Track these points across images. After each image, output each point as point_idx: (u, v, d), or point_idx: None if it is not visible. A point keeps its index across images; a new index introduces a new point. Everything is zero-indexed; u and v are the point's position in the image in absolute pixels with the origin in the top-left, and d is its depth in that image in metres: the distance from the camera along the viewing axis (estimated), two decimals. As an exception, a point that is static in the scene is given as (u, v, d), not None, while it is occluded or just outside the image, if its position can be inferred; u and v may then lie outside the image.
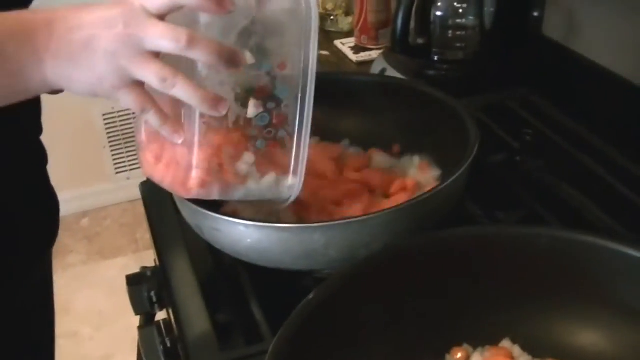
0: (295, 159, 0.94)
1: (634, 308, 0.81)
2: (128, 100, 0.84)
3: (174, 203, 1.12)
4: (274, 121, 0.92)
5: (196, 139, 0.87)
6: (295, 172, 0.94)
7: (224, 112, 0.84)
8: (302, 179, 0.95)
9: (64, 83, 0.84)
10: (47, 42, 0.82)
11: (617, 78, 1.26)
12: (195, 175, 0.88)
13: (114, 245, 3.22)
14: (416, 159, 1.19)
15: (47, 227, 1.31)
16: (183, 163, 0.90)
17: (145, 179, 1.34)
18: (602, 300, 0.83)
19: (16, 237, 1.19)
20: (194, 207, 0.96)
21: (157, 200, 1.26)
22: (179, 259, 1.12)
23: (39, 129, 1.26)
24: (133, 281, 1.17)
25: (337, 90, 1.24)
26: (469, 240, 0.88)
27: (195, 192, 0.89)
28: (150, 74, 0.81)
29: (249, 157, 0.92)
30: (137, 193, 3.28)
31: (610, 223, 1.09)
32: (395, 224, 0.94)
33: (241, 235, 0.94)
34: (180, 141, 0.89)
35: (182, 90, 0.81)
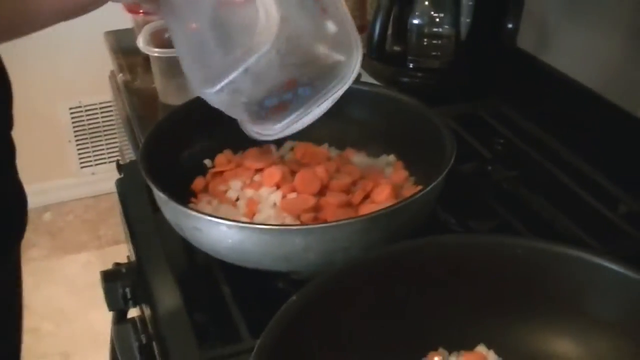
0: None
1: (605, 318, 0.83)
2: None
3: (151, 201, 1.13)
4: None
5: None
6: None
7: None
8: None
9: None
10: None
11: (587, 91, 1.29)
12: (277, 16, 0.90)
13: (77, 241, 3.21)
14: (392, 159, 1.22)
15: (15, 222, 1.31)
16: None
17: (118, 176, 1.35)
18: (574, 310, 0.85)
19: None
20: (176, 205, 0.97)
21: (133, 198, 1.26)
22: (156, 257, 1.12)
23: (9, 123, 1.27)
24: (108, 277, 1.17)
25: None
26: (445, 249, 0.90)
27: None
28: None
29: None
30: (101, 188, 3.28)
31: (580, 234, 1.12)
32: (372, 230, 0.96)
33: (222, 236, 0.95)
34: None
35: None
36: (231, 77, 0.93)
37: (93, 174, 3.34)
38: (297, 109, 1.02)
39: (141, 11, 1.77)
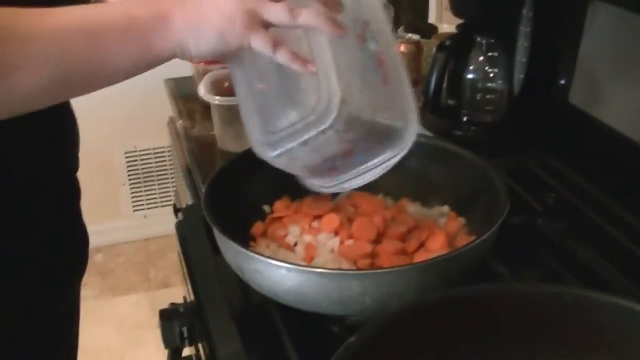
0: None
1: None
2: (260, 41, 0.89)
3: (211, 242, 1.17)
4: None
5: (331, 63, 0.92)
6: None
7: (343, 33, 0.91)
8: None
9: (192, 40, 0.89)
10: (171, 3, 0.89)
11: (636, 146, 1.31)
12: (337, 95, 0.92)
13: (126, 282, 3.26)
14: (446, 209, 1.25)
15: (77, 260, 1.35)
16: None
17: (172, 219, 1.39)
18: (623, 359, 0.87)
19: (51, 267, 1.23)
20: (237, 247, 1.01)
21: (191, 240, 1.30)
22: (214, 297, 1.16)
23: (75, 165, 1.31)
24: (165, 316, 1.21)
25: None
26: (496, 296, 0.92)
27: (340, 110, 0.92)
28: (278, 8, 0.89)
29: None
30: (152, 231, 3.33)
31: (627, 286, 1.13)
32: (427, 276, 0.99)
33: (282, 278, 0.98)
34: (314, 69, 0.91)
35: (308, 16, 0.89)
36: (289, 146, 0.96)
37: (145, 217, 3.39)
38: (350, 172, 1.06)
39: (201, 61, 1.83)
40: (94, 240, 2.93)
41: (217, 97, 1.59)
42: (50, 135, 1.14)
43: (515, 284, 1.06)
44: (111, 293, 3.21)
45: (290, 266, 0.97)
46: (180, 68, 1.92)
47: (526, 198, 1.36)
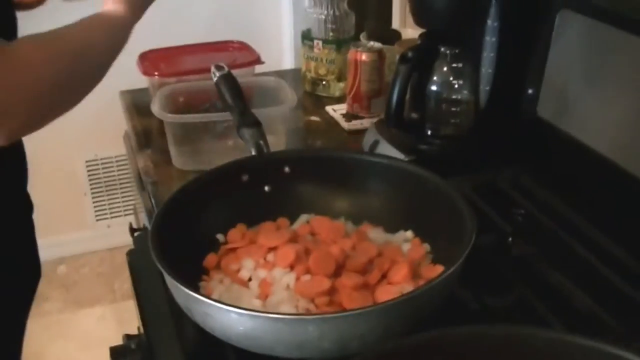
0: None
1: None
2: None
3: (163, 278, 1.10)
4: None
5: None
6: None
7: None
8: None
9: None
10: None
11: (607, 161, 1.26)
12: None
13: (91, 295, 3.18)
14: (409, 235, 1.19)
15: (30, 281, 1.30)
16: None
17: (133, 246, 1.33)
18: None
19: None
20: (185, 290, 0.95)
21: (145, 271, 1.23)
22: (166, 333, 1.10)
23: (25, 180, 1.26)
24: (117, 354, 1.15)
25: (332, 168, 1.27)
26: (462, 340, 0.87)
27: None
28: None
29: None
30: (116, 241, 3.27)
31: (600, 313, 1.08)
32: (390, 317, 0.93)
33: (233, 322, 0.92)
34: None
35: None
36: None
37: (108, 226, 3.32)
38: None
39: (156, 73, 1.76)
40: (56, 252, 2.89)
41: (171, 115, 1.52)
42: None
43: (482, 327, 1.00)
44: (76, 306, 3.13)
45: (242, 311, 0.91)
46: (136, 80, 1.86)
47: (494, 217, 1.30)
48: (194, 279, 1.11)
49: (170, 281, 0.99)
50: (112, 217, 3.32)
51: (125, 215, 3.26)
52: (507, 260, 1.22)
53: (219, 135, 1.57)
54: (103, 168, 3.21)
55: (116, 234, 3.24)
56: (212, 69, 1.40)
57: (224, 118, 1.45)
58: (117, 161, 3.20)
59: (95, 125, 2.99)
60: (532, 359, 0.84)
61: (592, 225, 1.26)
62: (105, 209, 3.30)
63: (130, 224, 1.81)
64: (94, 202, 3.28)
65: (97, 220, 3.31)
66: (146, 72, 1.78)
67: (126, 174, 3.21)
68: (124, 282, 3.16)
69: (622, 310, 1.09)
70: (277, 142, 1.54)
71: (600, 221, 1.26)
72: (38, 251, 1.37)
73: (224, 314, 0.92)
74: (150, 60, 1.84)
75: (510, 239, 1.26)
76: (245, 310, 0.91)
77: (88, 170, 3.19)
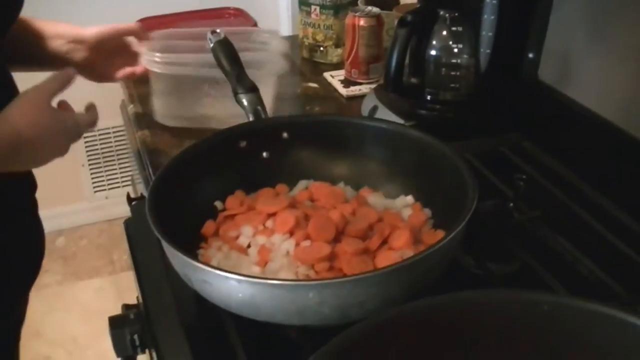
0: None
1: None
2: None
3: (161, 245, 1.09)
4: None
5: None
6: None
7: None
8: None
9: None
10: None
11: (609, 125, 1.24)
12: None
13: (90, 266, 3.18)
14: (410, 200, 1.18)
15: (33, 259, 1.32)
16: None
17: (130, 215, 1.32)
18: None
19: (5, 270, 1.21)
20: (184, 257, 0.93)
21: (142, 239, 1.22)
22: (164, 302, 1.09)
23: None
24: (116, 324, 1.13)
25: (331, 134, 1.24)
26: (468, 306, 0.85)
27: None
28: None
29: None
30: (114, 212, 3.26)
31: (602, 276, 1.08)
32: (390, 283, 0.91)
33: (232, 290, 0.91)
34: None
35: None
36: None
37: (107, 198, 3.31)
38: None
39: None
40: (54, 224, 2.88)
41: (158, 64, 1.49)
42: None
43: (484, 292, 0.99)
44: (74, 278, 3.13)
45: (241, 278, 0.89)
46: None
47: (496, 182, 1.29)
48: (192, 247, 1.09)
49: (168, 249, 0.98)
50: (110, 189, 3.31)
51: (123, 186, 3.25)
52: (509, 225, 1.21)
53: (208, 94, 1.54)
54: (100, 139, 3.19)
55: (114, 205, 3.24)
56: (208, 34, 1.38)
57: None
58: (114, 132, 3.18)
59: (92, 96, 2.96)
60: (536, 324, 0.83)
61: (594, 189, 1.26)
62: (103, 181, 3.30)
63: (128, 194, 1.78)
64: (91, 174, 3.27)
65: (95, 191, 3.30)
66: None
67: (124, 144, 3.19)
68: (123, 254, 3.16)
69: (626, 274, 1.08)
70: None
71: (602, 185, 1.25)
72: (43, 230, 1.37)
73: (223, 281, 0.91)
74: (146, 28, 1.81)
75: (511, 204, 1.25)
76: (245, 276, 0.89)
77: (85, 142, 3.17)
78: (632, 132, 1.21)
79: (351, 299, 0.89)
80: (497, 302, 0.85)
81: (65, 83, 1.17)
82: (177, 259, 0.96)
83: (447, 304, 0.84)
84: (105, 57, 1.44)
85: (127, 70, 1.49)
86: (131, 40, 1.48)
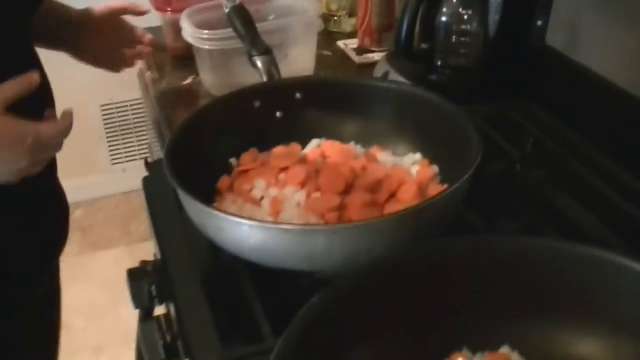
0: None
1: (631, 319, 0.82)
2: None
3: (177, 199, 1.13)
4: None
5: None
6: None
7: None
8: None
9: None
10: None
11: (617, 89, 1.27)
12: None
13: (107, 237, 3.23)
14: (418, 157, 1.22)
15: (59, 231, 1.35)
16: None
17: (147, 173, 1.35)
18: (599, 311, 0.84)
19: (31, 240, 1.23)
20: (200, 205, 0.97)
21: (159, 196, 1.26)
22: (181, 255, 1.12)
23: None
24: (134, 275, 1.17)
25: (342, 94, 1.28)
26: (470, 250, 0.89)
27: None
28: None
29: None
30: (131, 185, 3.29)
31: (607, 235, 1.11)
32: (397, 229, 0.95)
33: (245, 235, 0.95)
34: None
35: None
36: None
37: (124, 170, 3.34)
38: None
39: (169, 9, 1.77)
40: (72, 196, 2.92)
41: (207, 40, 1.55)
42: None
43: (486, 237, 1.03)
44: (92, 248, 3.18)
45: (253, 223, 0.93)
46: (148, 18, 1.87)
47: (503, 144, 1.32)
48: (206, 201, 1.13)
49: (184, 198, 1.02)
50: (127, 161, 3.35)
51: (140, 159, 3.28)
52: (515, 186, 1.24)
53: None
54: (118, 112, 3.23)
55: (132, 177, 3.25)
56: (224, 1, 1.42)
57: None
58: (131, 105, 3.22)
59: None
60: (536, 267, 0.86)
61: (599, 151, 1.28)
62: (120, 153, 3.33)
63: (146, 159, 1.83)
64: (109, 146, 3.30)
65: (113, 164, 3.34)
66: (158, 8, 1.79)
67: (141, 118, 3.23)
68: (140, 225, 3.21)
69: (627, 231, 1.11)
70: (305, 52, 1.62)
71: (607, 146, 1.27)
72: (67, 202, 1.40)
73: (237, 227, 0.95)
74: (163, 2, 1.85)
75: (518, 165, 1.28)
76: (257, 221, 0.94)
77: (103, 115, 3.21)
78: (635, 92, 1.23)
79: (359, 244, 0.93)
80: (499, 245, 0.89)
81: (24, 88, 1.05)
82: (193, 207, 1.01)
83: (446, 247, 0.88)
84: (105, 40, 1.49)
85: (137, 49, 1.55)
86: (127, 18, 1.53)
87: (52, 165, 1.31)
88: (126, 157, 3.33)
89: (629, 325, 0.82)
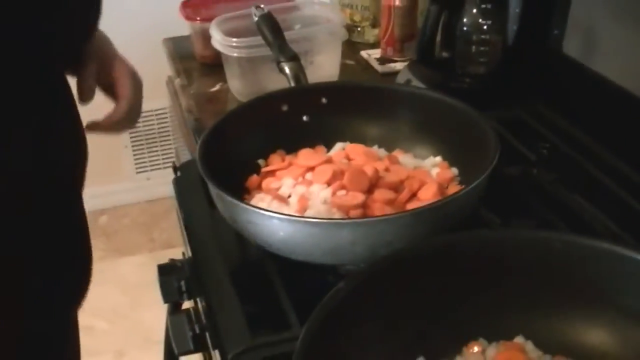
0: None
1: (637, 309, 0.86)
2: None
3: (207, 197, 1.18)
4: None
5: None
6: None
7: None
8: None
9: None
10: None
11: (632, 97, 1.31)
12: None
13: (131, 243, 3.28)
14: (438, 160, 1.27)
15: (79, 275, 1.23)
16: None
17: (172, 179, 1.40)
18: (609, 302, 0.88)
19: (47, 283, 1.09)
20: (230, 199, 1.03)
21: (189, 194, 1.31)
22: (210, 250, 1.17)
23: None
24: (164, 271, 1.22)
25: (366, 99, 1.34)
26: (486, 243, 0.94)
27: None
28: None
29: None
30: (155, 193, 3.34)
31: (620, 234, 1.15)
32: (417, 225, 1.00)
33: (274, 228, 1.00)
34: None
35: None
36: None
37: (148, 179, 3.40)
38: None
39: (198, 18, 1.83)
40: (98, 203, 2.97)
41: (235, 40, 1.60)
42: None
43: (501, 230, 1.07)
44: (116, 254, 3.23)
45: (282, 216, 0.98)
46: (178, 27, 1.94)
47: (520, 149, 1.36)
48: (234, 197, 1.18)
49: (216, 193, 1.07)
50: (151, 170, 3.41)
51: (165, 168, 3.34)
52: (531, 188, 1.28)
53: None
54: (143, 121, 3.28)
55: (155, 186, 3.34)
56: (253, 10, 1.47)
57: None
58: (156, 114, 3.28)
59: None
60: (550, 260, 0.90)
61: (613, 155, 1.31)
62: (145, 162, 3.39)
63: (174, 163, 1.88)
64: (134, 155, 3.37)
65: (138, 172, 3.40)
66: (188, 17, 1.85)
67: (165, 127, 3.29)
68: (163, 232, 3.26)
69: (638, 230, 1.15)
70: (330, 60, 1.67)
71: (621, 151, 1.31)
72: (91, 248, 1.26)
73: (267, 220, 1.00)
74: (192, 7, 1.90)
75: (535, 169, 1.32)
76: (285, 215, 0.99)
77: (129, 124, 3.26)
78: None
79: (380, 238, 0.98)
80: (513, 239, 0.93)
81: None
82: (224, 202, 1.06)
83: (465, 239, 0.93)
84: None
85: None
86: None
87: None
88: (151, 165, 3.39)
89: (634, 314, 0.86)
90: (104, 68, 1.20)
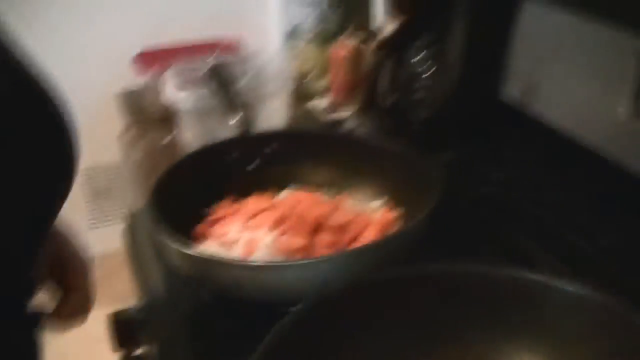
0: None
1: (569, 337, 0.89)
2: None
3: (155, 246, 1.20)
4: None
5: None
6: None
7: None
8: None
9: None
10: None
11: (572, 142, 1.34)
12: None
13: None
14: (382, 202, 1.30)
15: None
16: None
17: (127, 224, 1.42)
18: (543, 330, 0.91)
19: None
20: (179, 248, 1.06)
21: (139, 243, 1.34)
22: (160, 297, 1.21)
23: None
24: (114, 319, 1.24)
25: (315, 145, 1.39)
26: (420, 279, 0.96)
27: None
28: None
29: None
30: (109, 247, 3.27)
31: (556, 264, 1.19)
32: (355, 264, 1.03)
33: (220, 273, 1.03)
34: None
35: None
36: None
37: (102, 233, 3.39)
38: None
39: (149, 71, 1.86)
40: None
41: (185, 93, 1.65)
42: None
43: (440, 265, 1.09)
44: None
45: (227, 262, 1.02)
46: (129, 80, 1.96)
47: (462, 189, 1.39)
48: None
49: (165, 243, 1.09)
50: (105, 226, 3.41)
51: (118, 224, 3.32)
52: (475, 224, 1.32)
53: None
54: (96, 175, 3.28)
55: (110, 240, 3.32)
56: (202, 62, 1.52)
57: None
58: (114, 169, 3.27)
59: (89, 133, 3.06)
60: (488, 292, 0.93)
61: (555, 195, 1.36)
62: (99, 216, 3.39)
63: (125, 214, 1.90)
64: (88, 210, 3.36)
65: (91, 228, 3.39)
66: (139, 72, 1.88)
67: (119, 181, 3.28)
68: (116, 286, 3.24)
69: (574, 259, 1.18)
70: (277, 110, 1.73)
71: (563, 191, 1.36)
72: None
73: (211, 266, 1.03)
74: (144, 60, 1.94)
75: (478, 208, 1.36)
76: (230, 260, 1.02)
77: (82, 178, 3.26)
78: (590, 144, 1.31)
79: (319, 278, 1.00)
80: (449, 273, 0.96)
81: None
82: (174, 251, 1.08)
83: (400, 275, 0.95)
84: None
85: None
86: None
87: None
88: (105, 220, 3.39)
89: (564, 339, 0.89)
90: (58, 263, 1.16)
